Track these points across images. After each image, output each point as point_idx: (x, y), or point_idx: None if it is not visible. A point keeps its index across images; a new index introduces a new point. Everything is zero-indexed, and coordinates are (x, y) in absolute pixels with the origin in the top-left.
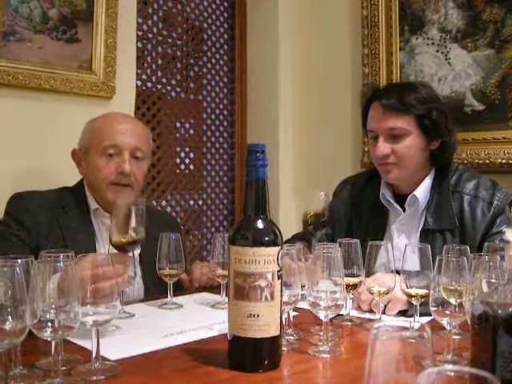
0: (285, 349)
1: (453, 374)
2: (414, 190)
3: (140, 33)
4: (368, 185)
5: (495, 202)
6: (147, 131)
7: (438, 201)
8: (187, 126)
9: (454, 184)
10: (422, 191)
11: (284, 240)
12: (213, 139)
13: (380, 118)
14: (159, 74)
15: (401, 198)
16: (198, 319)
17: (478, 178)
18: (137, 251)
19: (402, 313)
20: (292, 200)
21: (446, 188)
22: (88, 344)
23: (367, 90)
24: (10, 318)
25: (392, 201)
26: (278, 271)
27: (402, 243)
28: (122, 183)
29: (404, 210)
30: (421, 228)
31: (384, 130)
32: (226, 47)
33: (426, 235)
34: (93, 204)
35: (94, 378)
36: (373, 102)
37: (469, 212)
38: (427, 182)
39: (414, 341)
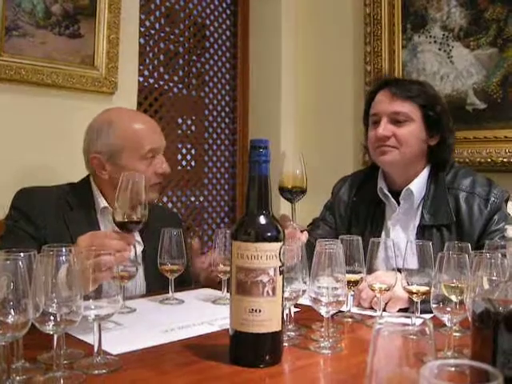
0: (286, 344)
1: (455, 367)
2: (407, 184)
3: (142, 29)
4: (366, 182)
5: (492, 199)
6: None
7: (434, 196)
8: (189, 122)
9: (449, 181)
10: (417, 185)
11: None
12: (214, 136)
13: (386, 101)
14: (161, 70)
15: (396, 195)
16: (200, 314)
17: (474, 176)
18: (139, 248)
19: (403, 311)
20: None
21: (441, 184)
22: (90, 338)
23: (375, 79)
24: (12, 311)
25: (388, 194)
26: (280, 267)
27: (398, 239)
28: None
29: (399, 204)
30: (417, 224)
31: (389, 113)
32: (228, 44)
33: (422, 231)
34: (102, 202)
35: (96, 371)
36: (380, 90)
37: (465, 208)
38: (422, 178)
39: (415, 337)
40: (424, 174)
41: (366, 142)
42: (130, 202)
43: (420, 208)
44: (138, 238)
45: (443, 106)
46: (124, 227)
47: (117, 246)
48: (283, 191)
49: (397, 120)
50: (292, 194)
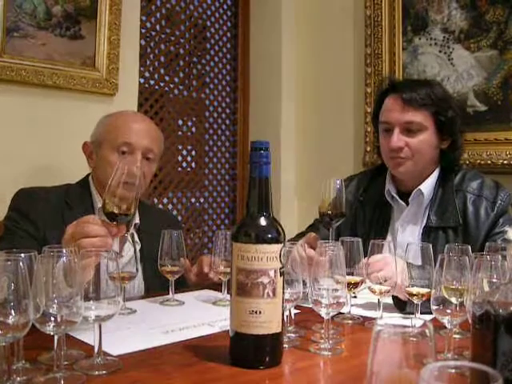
0: (286, 346)
1: (455, 369)
2: (418, 186)
3: (143, 30)
4: (373, 182)
5: (499, 202)
6: (161, 134)
7: (441, 198)
8: (189, 123)
9: (457, 183)
10: (427, 187)
11: (288, 239)
12: (215, 137)
13: (398, 111)
14: (162, 71)
15: (404, 195)
16: (200, 316)
17: (482, 178)
18: (137, 246)
19: (400, 309)
20: (294, 199)
21: (449, 186)
22: (90, 339)
23: (384, 81)
24: (13, 312)
25: (396, 197)
26: (281, 268)
27: (405, 240)
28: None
29: (408, 204)
30: (423, 225)
31: (401, 123)
32: (228, 45)
33: (428, 233)
34: (99, 201)
35: (96, 372)
36: (390, 94)
37: (472, 211)
38: (432, 179)
39: (415, 339)
40: (434, 175)
41: (377, 142)
42: (121, 190)
43: (427, 210)
44: (135, 238)
45: (454, 108)
46: (112, 217)
47: (97, 232)
48: (323, 215)
49: (409, 129)
50: (331, 218)
